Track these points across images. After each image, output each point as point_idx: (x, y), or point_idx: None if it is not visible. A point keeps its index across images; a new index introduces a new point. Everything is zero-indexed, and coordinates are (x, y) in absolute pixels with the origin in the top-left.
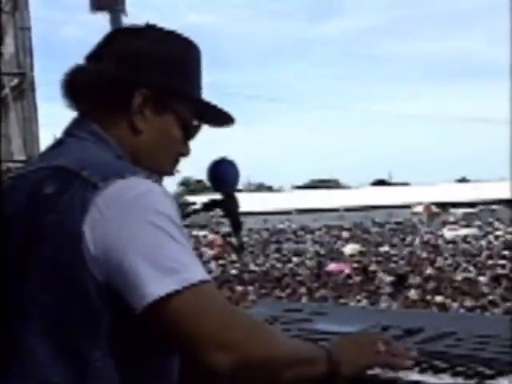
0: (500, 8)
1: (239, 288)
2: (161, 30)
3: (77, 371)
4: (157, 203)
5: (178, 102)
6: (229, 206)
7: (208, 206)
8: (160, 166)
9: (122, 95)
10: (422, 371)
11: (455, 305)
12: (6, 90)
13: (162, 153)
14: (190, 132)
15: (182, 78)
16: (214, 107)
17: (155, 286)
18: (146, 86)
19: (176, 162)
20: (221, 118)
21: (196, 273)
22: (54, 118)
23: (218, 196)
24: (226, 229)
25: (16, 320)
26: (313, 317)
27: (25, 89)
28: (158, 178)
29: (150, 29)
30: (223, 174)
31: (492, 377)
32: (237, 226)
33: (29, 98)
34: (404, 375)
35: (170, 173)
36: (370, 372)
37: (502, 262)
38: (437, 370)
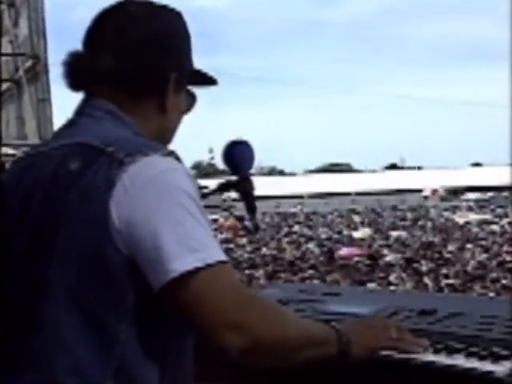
0: None
1: (248, 272)
2: (160, 7)
3: (102, 345)
4: (179, 181)
5: (187, 79)
6: (244, 188)
7: (224, 187)
8: (170, 139)
9: (156, 82)
10: (436, 352)
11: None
12: (20, 72)
13: (176, 128)
14: (191, 104)
15: (190, 57)
16: (204, 74)
17: (175, 263)
18: (176, 70)
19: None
20: (206, 81)
21: (214, 253)
22: (67, 100)
23: (233, 178)
24: (238, 212)
25: (40, 295)
26: (326, 298)
27: (38, 71)
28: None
29: (153, 8)
30: (239, 156)
31: (506, 357)
32: (252, 208)
33: (42, 80)
34: (418, 356)
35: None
36: (383, 352)
37: None
38: (451, 351)
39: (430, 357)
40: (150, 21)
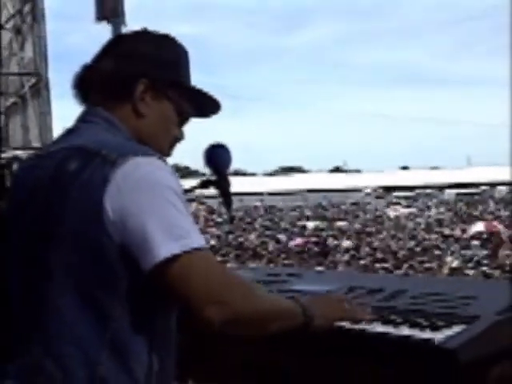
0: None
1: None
2: (154, 33)
3: (98, 321)
4: (165, 179)
5: (173, 90)
6: (222, 185)
7: (204, 184)
8: (159, 146)
9: (127, 86)
10: (385, 323)
11: (398, 271)
12: (25, 88)
13: (161, 135)
14: (183, 118)
15: (174, 71)
16: (204, 93)
17: (163, 248)
18: (146, 77)
19: (173, 145)
20: (209, 106)
21: (197, 239)
22: (64, 112)
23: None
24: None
25: (43, 279)
26: (290, 278)
27: (40, 87)
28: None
29: (146, 33)
30: (218, 156)
31: (442, 327)
32: (229, 203)
33: (44, 95)
34: (369, 327)
35: (167, 154)
36: (339, 324)
37: (434, 235)
38: (397, 323)
39: (379, 328)
40: (134, 38)
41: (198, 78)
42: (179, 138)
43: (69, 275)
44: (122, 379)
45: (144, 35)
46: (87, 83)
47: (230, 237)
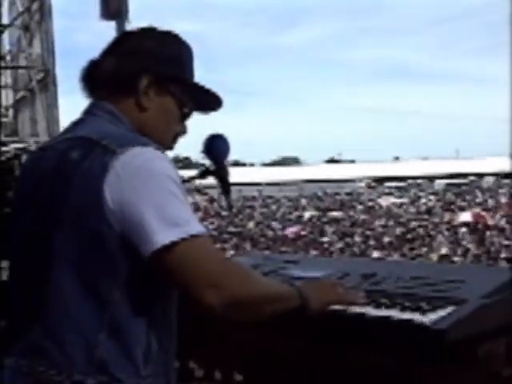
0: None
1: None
2: (158, 30)
3: (99, 309)
4: (164, 168)
5: (176, 86)
6: (221, 174)
7: (204, 174)
8: (161, 139)
9: (131, 81)
10: (377, 306)
11: (390, 257)
12: (33, 83)
13: (163, 128)
14: (186, 113)
15: (177, 67)
16: (207, 90)
17: (162, 235)
18: (149, 72)
19: (175, 138)
20: (211, 102)
21: (195, 227)
22: (71, 106)
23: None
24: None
25: (46, 266)
26: (286, 265)
27: (48, 82)
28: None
29: (151, 30)
30: (217, 146)
31: (431, 310)
32: (227, 190)
33: (51, 89)
34: (362, 311)
35: (169, 147)
36: (334, 308)
37: (425, 223)
38: (388, 306)
39: (372, 311)
40: (139, 35)
41: (199, 74)
42: (181, 131)
43: (70, 261)
44: (121, 360)
45: (148, 32)
46: (93, 78)
47: (230, 225)
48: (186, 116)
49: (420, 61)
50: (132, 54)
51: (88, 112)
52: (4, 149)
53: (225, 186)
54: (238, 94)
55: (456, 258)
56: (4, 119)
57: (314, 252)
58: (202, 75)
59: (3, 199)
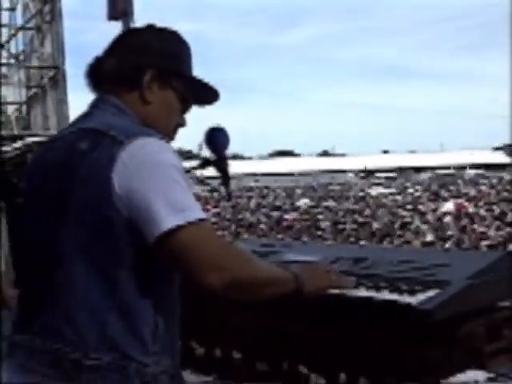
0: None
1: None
2: (160, 28)
3: (109, 292)
4: (168, 158)
5: (177, 80)
6: (221, 164)
7: (204, 164)
8: (163, 130)
9: (135, 75)
10: (368, 289)
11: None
12: (45, 80)
13: (165, 120)
14: (186, 106)
15: (178, 62)
16: (205, 84)
17: (166, 220)
18: (152, 67)
19: (175, 130)
20: (209, 95)
21: (198, 213)
22: (79, 102)
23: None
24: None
25: (56, 251)
26: (282, 250)
27: (58, 79)
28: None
29: (153, 28)
30: (217, 138)
31: (418, 292)
32: (227, 180)
33: (61, 86)
34: (354, 293)
35: (171, 138)
36: (329, 291)
37: (411, 212)
38: (378, 288)
39: (363, 293)
40: (142, 32)
41: (199, 72)
42: (182, 123)
43: (79, 246)
44: (130, 339)
45: (151, 29)
46: (99, 73)
47: (229, 214)
48: (186, 109)
49: (409, 59)
50: (136, 51)
51: (94, 106)
52: (20, 142)
53: (224, 175)
54: (236, 91)
55: (440, 245)
56: (18, 115)
57: (308, 238)
58: (201, 73)
59: (17, 190)
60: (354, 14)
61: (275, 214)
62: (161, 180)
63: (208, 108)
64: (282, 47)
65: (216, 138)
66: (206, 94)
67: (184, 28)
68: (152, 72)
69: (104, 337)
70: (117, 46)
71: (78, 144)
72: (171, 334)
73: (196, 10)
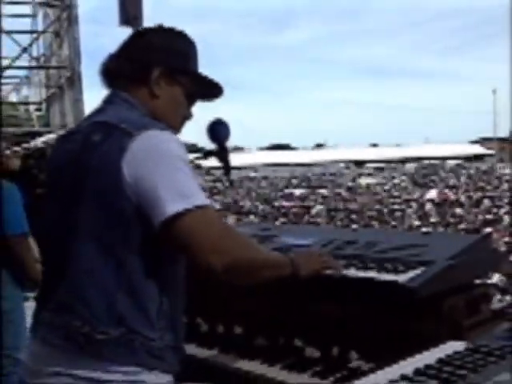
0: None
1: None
2: (168, 28)
3: (117, 271)
4: (174, 148)
5: (184, 77)
6: (222, 154)
7: (207, 154)
8: (171, 123)
9: (144, 72)
10: (358, 269)
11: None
12: (62, 80)
13: (172, 114)
14: (192, 100)
15: (185, 60)
16: (210, 80)
17: (171, 206)
18: (161, 65)
19: (182, 123)
20: (214, 90)
21: (201, 198)
22: (94, 100)
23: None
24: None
25: (71, 232)
26: (279, 233)
27: (74, 79)
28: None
29: (161, 28)
30: (219, 130)
31: (404, 271)
32: (228, 169)
33: (77, 85)
34: (345, 273)
35: (178, 130)
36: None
37: (397, 200)
38: (367, 268)
39: (353, 272)
40: (151, 32)
41: (203, 71)
42: (188, 117)
43: (92, 231)
44: (137, 315)
45: (159, 30)
46: (111, 71)
47: (231, 201)
48: (192, 103)
49: (395, 59)
50: (145, 49)
51: (107, 101)
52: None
53: (226, 165)
54: (238, 89)
55: (424, 229)
56: (38, 113)
57: (303, 223)
58: (205, 72)
59: (37, 181)
60: (346, 17)
61: (273, 201)
62: (167, 168)
63: (212, 102)
64: (277, 48)
65: (217, 130)
66: (211, 89)
67: (187, 31)
68: (160, 69)
69: (113, 313)
70: (128, 46)
71: (92, 136)
72: (175, 311)
73: (198, 13)
